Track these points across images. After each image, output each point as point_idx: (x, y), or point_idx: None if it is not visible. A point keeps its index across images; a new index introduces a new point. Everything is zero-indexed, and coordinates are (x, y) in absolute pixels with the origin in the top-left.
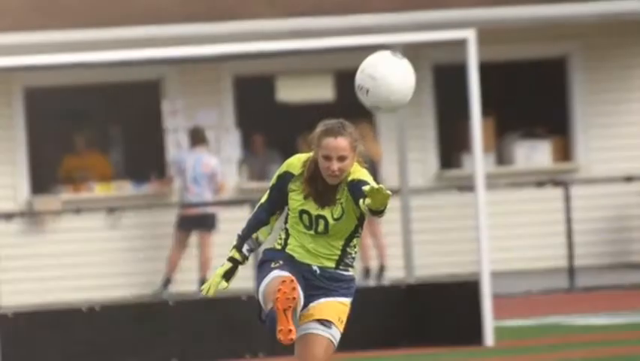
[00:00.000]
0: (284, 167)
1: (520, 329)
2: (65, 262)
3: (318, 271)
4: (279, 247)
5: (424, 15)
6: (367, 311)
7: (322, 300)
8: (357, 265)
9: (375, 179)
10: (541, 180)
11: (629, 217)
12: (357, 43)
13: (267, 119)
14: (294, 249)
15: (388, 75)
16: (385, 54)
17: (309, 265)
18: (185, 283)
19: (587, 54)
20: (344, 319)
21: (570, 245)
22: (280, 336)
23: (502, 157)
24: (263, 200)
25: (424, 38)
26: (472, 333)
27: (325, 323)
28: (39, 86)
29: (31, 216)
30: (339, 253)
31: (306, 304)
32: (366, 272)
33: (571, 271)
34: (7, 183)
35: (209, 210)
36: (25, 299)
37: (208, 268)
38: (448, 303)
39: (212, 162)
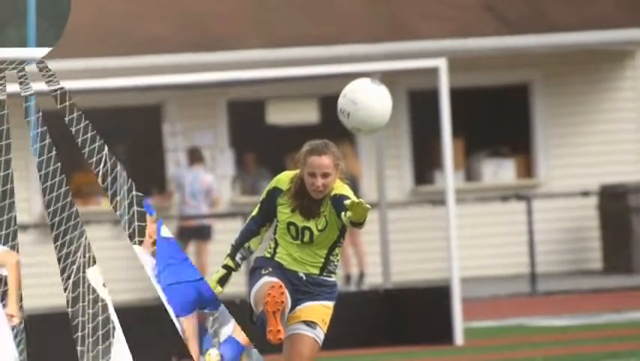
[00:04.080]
0: (273, 183)
1: (487, 330)
2: None
3: (304, 278)
4: (268, 255)
5: (399, 45)
6: (348, 314)
7: (308, 303)
8: (339, 271)
9: (356, 194)
10: (506, 194)
11: (586, 229)
12: (340, 71)
13: (258, 140)
14: (282, 257)
15: (368, 100)
16: (365, 81)
17: (295, 272)
18: None
19: (548, 81)
20: (327, 320)
21: (532, 254)
22: (270, 336)
23: (470, 174)
24: (254, 213)
25: (400, 67)
26: (443, 333)
27: (310, 324)
28: (51, 109)
29: (44, 228)
30: (323, 260)
31: (293, 307)
32: (348, 278)
33: (533, 277)
34: (22, 197)
35: (206, 222)
36: (38, 303)
37: (204, 275)
38: (421, 306)
39: (208, 178)
